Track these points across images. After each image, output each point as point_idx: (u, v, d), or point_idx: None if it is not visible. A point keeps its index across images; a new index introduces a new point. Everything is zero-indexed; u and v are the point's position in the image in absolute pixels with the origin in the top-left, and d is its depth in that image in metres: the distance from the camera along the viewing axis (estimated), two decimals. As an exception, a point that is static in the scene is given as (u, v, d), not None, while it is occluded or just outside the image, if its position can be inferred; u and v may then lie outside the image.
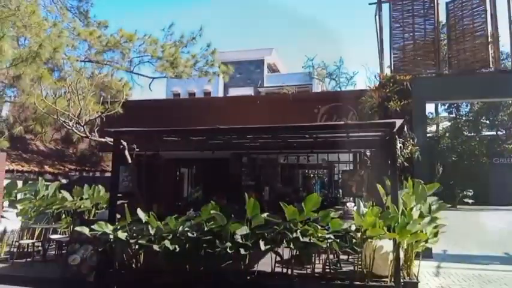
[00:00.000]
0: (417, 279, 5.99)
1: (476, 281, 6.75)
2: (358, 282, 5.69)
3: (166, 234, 6.22)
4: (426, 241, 6.06)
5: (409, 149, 9.15)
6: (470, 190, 31.51)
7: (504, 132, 28.07)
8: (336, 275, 6.05)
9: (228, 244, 5.77)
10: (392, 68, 9.60)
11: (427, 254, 8.50)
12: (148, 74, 13.34)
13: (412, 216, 5.84)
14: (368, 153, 10.93)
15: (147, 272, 6.37)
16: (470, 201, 30.89)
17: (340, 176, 12.53)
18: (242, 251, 5.71)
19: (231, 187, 12.49)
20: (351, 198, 12.07)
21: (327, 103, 10.62)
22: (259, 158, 12.46)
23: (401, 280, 5.81)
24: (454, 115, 30.20)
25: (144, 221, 6.36)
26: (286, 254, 6.13)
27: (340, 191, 12.56)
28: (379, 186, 7.52)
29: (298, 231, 5.72)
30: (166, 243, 5.93)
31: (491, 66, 8.64)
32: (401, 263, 6.31)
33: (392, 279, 5.71)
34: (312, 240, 5.60)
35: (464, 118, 29.45)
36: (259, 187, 12.62)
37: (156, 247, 5.90)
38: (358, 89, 12.03)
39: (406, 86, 9.16)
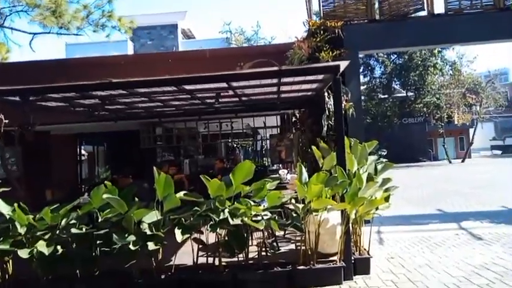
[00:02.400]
0: (368, 253, 5.07)
1: (424, 246, 6.12)
2: (302, 267, 4.57)
3: (42, 232, 4.44)
4: (377, 208, 5.14)
5: (343, 105, 8.25)
6: (384, 150, 33.27)
7: (413, 93, 29.57)
8: (275, 260, 4.87)
9: (131, 238, 4.21)
10: (322, 14, 8.47)
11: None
12: (27, 30, 10.60)
13: (362, 180, 4.83)
14: (297, 114, 9.90)
15: (19, 285, 4.57)
16: (384, 160, 32.67)
17: (267, 142, 11.42)
18: (151, 246, 4.21)
19: (145, 163, 10.71)
20: (281, 165, 11.12)
21: (250, 59, 9.21)
22: (175, 128, 10.76)
23: (352, 257, 4.84)
24: (368, 78, 31.03)
25: (8, 217, 4.48)
26: (212, 238, 4.77)
27: (269, 158, 11.52)
28: (314, 148, 6.48)
29: (226, 211, 4.35)
30: (40, 245, 4.17)
31: (424, 9, 7.94)
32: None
33: (342, 258, 4.70)
34: (244, 221, 4.28)
35: (378, 80, 30.39)
36: (177, 161, 11.01)
37: (23, 253, 4.12)
38: (284, 42, 10.76)
39: (338, 34, 8.10)
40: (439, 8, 8.09)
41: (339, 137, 5.01)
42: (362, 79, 32.89)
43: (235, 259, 4.75)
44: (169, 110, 8.82)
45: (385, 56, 29.92)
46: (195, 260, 4.69)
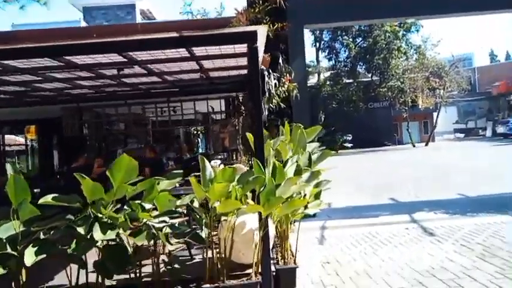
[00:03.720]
0: (295, 261, 4.19)
1: (367, 244, 5.33)
2: (207, 285, 3.62)
3: None
4: (306, 207, 4.25)
5: (286, 86, 7.33)
6: (350, 135, 32.93)
7: (378, 77, 29.16)
8: (179, 275, 3.90)
9: (-32, 260, 3.12)
10: (262, -19, 7.43)
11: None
12: None
13: (285, 174, 3.91)
14: (241, 97, 8.92)
15: None
16: (349, 145, 32.40)
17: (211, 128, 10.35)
18: (-5, 270, 3.12)
19: (71, 156, 9.45)
20: (225, 154, 10.15)
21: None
22: (106, 113, 9.53)
23: (273, 268, 3.97)
24: (333, 62, 30.38)
25: None
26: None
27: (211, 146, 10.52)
28: (248, 135, 5.57)
29: (104, 220, 3.33)
30: None
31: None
32: (273, 242, 4.50)
33: (260, 270, 3.79)
34: (121, 236, 3.27)
35: (342, 64, 29.78)
36: (109, 151, 9.82)
37: None
38: (228, 16, 9.63)
39: (280, 5, 7.13)
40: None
41: (257, 120, 4.02)
42: (327, 63, 32.19)
43: (126, 276, 3.76)
44: (89, 93, 7.64)
45: (350, 39, 29.30)
46: (71, 281, 3.65)
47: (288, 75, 7.31)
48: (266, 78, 7.16)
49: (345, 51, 29.53)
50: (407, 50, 28.94)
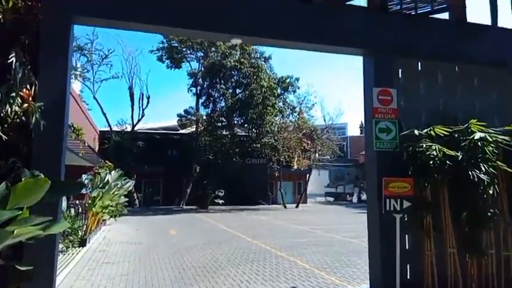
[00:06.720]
0: None
1: None
2: None
3: None
4: None
5: (23, 106, 4.40)
6: (222, 190, 30.71)
7: (253, 132, 28.13)
8: None
9: None
10: None
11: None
12: None
13: None
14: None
15: None
16: (220, 201, 30.06)
17: None
18: None
19: None
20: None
21: None
22: None
23: None
24: (210, 110, 28.65)
25: None
26: None
27: None
28: None
29: None
30: None
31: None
32: None
33: None
34: None
35: (218, 114, 28.18)
36: None
37: None
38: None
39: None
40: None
41: None
42: (203, 110, 30.28)
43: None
44: None
45: (230, 89, 28.14)
46: None
47: (29, 88, 4.43)
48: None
49: (222, 99, 28.07)
50: (283, 109, 28.81)
